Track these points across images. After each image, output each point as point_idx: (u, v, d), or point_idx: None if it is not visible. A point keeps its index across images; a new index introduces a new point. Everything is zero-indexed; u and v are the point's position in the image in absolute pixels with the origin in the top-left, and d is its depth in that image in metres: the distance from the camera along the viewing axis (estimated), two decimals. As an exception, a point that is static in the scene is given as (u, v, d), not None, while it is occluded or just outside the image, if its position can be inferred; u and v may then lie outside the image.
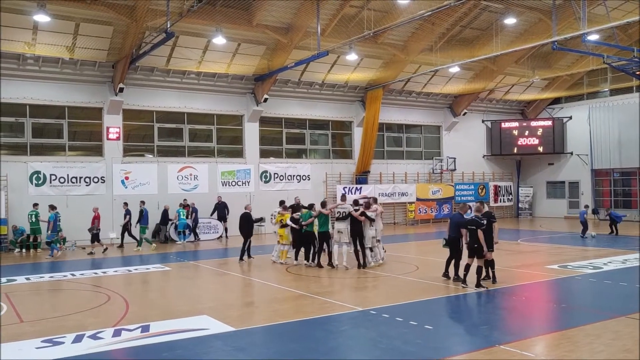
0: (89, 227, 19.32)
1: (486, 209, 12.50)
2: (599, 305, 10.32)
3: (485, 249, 11.60)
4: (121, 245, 20.66)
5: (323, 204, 15.34)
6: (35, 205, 19.84)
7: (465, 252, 12.11)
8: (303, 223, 15.17)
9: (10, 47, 19.87)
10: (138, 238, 20.27)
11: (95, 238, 19.30)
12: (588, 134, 31.42)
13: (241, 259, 16.68)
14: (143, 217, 20.37)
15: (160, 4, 18.51)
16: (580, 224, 21.99)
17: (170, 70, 23.53)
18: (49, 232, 18.64)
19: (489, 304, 10.62)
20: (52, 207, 18.93)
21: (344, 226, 14.66)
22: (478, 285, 11.59)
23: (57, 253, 18.61)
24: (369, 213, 14.67)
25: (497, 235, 12.09)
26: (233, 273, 14.90)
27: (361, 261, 14.54)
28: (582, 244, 20.15)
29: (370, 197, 16.85)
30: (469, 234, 11.79)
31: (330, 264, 14.91)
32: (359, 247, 14.56)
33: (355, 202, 15.29)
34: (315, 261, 15.20)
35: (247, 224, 16.73)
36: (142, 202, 20.80)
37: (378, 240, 15.20)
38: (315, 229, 15.22)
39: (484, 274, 11.91)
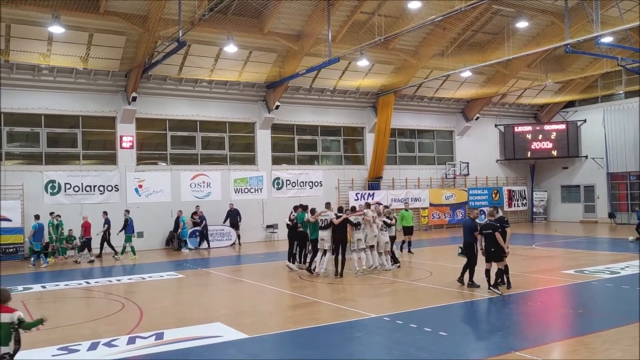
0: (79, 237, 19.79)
1: (500, 214, 12.41)
2: (617, 310, 10.17)
3: (505, 250, 11.59)
4: (99, 256, 20.30)
5: (312, 211, 15.37)
6: (52, 214, 20.02)
7: (481, 258, 12.03)
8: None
9: (25, 58, 20.16)
10: (122, 246, 20.05)
11: (85, 247, 19.49)
12: (603, 137, 31.09)
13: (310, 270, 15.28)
14: (128, 225, 20.19)
15: (172, 13, 18.66)
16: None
17: (182, 79, 23.70)
18: (33, 241, 18.68)
19: (504, 310, 10.51)
20: (37, 217, 19.18)
21: (326, 234, 14.62)
22: (495, 286, 11.52)
23: (41, 263, 18.59)
24: (351, 217, 14.75)
25: (509, 241, 11.99)
26: (246, 280, 14.91)
27: (339, 269, 14.45)
28: (602, 248, 19.93)
29: (379, 204, 16.96)
30: (484, 238, 11.72)
31: (309, 269, 14.97)
32: (340, 256, 14.51)
33: (367, 205, 15.81)
34: (307, 265, 15.32)
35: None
36: (127, 211, 20.61)
37: (372, 247, 15.01)
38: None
39: (497, 279, 11.81)
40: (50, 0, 17.54)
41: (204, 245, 22.92)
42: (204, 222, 22.99)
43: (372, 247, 15.09)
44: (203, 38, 21.44)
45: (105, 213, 20.53)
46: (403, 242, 18.80)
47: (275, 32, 22.22)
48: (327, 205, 15.57)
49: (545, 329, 9.03)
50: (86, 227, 19.68)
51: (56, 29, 18.18)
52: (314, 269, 14.87)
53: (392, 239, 15.85)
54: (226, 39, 20.74)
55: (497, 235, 11.51)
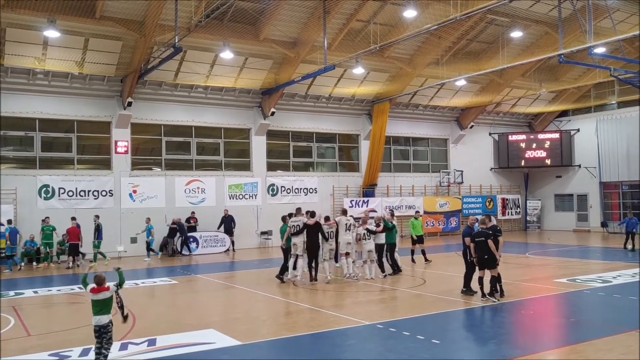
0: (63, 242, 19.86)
1: (493, 222, 12.45)
2: (609, 319, 10.21)
3: (498, 257, 11.67)
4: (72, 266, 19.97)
5: (283, 218, 15.37)
6: (47, 218, 19.96)
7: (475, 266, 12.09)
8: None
9: (20, 62, 20.13)
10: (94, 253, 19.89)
11: (72, 252, 19.41)
12: (596, 146, 31.27)
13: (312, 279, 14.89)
14: (98, 231, 19.92)
15: (168, 19, 18.72)
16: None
17: (178, 85, 23.72)
18: (9, 244, 18.66)
19: (497, 318, 10.54)
20: (9, 222, 19.20)
21: (298, 240, 14.56)
22: (490, 294, 11.57)
23: (16, 267, 18.64)
24: (325, 226, 14.85)
25: (501, 249, 12.05)
26: (240, 286, 14.87)
27: (313, 274, 14.57)
28: (595, 257, 20.01)
29: (374, 211, 16.96)
30: (477, 246, 11.77)
31: (279, 276, 14.90)
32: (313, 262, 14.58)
33: (344, 212, 15.91)
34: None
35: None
36: (97, 217, 20.32)
37: (346, 254, 14.97)
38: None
39: (491, 286, 11.86)
40: (46, 3, 17.54)
41: (185, 251, 22.66)
42: (183, 230, 22.65)
43: (346, 254, 14.98)
44: (199, 44, 21.48)
45: (73, 219, 20.23)
46: (412, 251, 18.50)
47: (271, 39, 22.30)
48: (298, 210, 15.34)
49: (538, 337, 9.06)
50: (70, 232, 19.49)
51: (52, 33, 18.17)
52: (287, 276, 14.75)
53: (381, 247, 15.58)
54: (222, 45, 20.78)
55: (490, 242, 11.57)
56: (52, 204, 21.36)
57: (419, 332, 9.10)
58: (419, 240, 18.49)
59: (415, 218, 18.98)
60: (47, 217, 20.03)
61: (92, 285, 7.57)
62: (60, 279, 16.82)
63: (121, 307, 7.83)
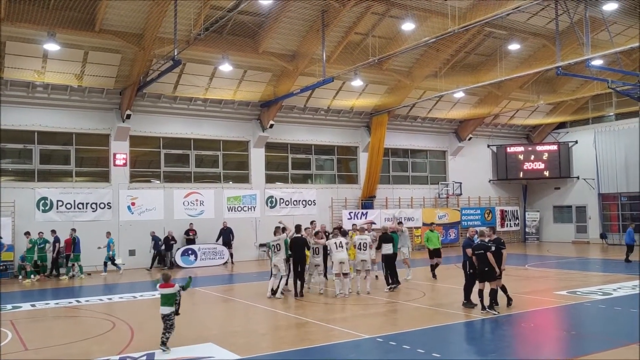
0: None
1: (494, 235, 12.41)
2: (610, 332, 10.16)
3: (497, 270, 11.66)
4: (51, 275, 20.12)
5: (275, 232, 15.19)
6: (40, 233, 20.02)
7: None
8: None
9: (20, 75, 20.18)
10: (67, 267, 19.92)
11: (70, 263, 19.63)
12: (594, 158, 31.33)
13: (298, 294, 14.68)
14: (75, 244, 19.85)
15: (167, 32, 18.81)
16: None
17: (177, 97, 23.77)
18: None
19: (498, 331, 10.48)
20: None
21: (277, 259, 14.38)
22: (491, 307, 11.53)
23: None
24: (311, 242, 14.85)
25: (505, 262, 12.01)
26: (238, 299, 14.80)
27: (298, 290, 14.43)
28: (594, 269, 19.95)
29: (373, 222, 16.88)
30: (478, 258, 11.75)
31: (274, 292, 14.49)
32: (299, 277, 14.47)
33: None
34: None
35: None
36: (73, 230, 20.21)
37: (344, 274, 14.32)
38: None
39: (491, 299, 11.81)
40: (46, 17, 17.62)
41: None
42: (157, 243, 22.43)
43: (344, 274, 14.28)
44: (198, 57, 21.56)
45: (53, 232, 20.27)
46: (432, 266, 17.68)
47: (270, 52, 22.39)
48: (276, 229, 14.89)
49: (538, 350, 9.01)
50: (68, 243, 19.70)
51: (51, 47, 18.25)
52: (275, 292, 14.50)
53: (388, 257, 15.21)
54: (221, 58, 20.86)
55: (489, 255, 11.55)
56: (50, 217, 21.30)
57: (419, 346, 9.04)
58: (436, 253, 17.65)
59: (431, 231, 18.04)
60: (41, 232, 20.16)
61: (161, 282, 9.32)
62: (57, 292, 16.72)
63: (178, 304, 9.35)
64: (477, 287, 12.01)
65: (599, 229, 31.20)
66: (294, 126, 27.12)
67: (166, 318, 9.08)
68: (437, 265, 17.75)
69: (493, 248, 11.75)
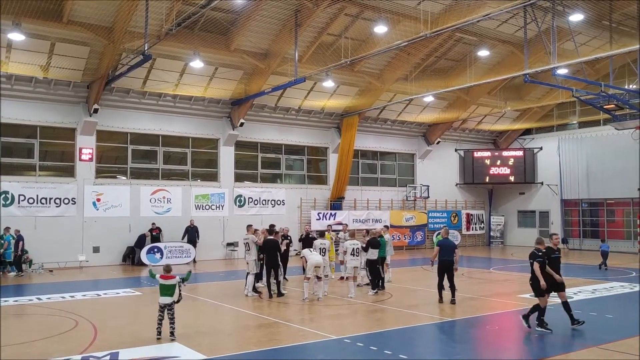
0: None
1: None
2: (570, 335, 10.41)
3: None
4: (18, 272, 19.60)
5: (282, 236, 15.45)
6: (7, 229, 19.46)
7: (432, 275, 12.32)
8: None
9: (-18, 64, 19.56)
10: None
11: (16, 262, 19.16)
12: (558, 164, 32.11)
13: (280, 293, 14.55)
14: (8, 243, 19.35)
15: (138, 26, 18.48)
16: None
17: (146, 92, 23.40)
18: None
19: (463, 334, 10.64)
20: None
21: (248, 257, 14.53)
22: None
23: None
24: (283, 245, 14.95)
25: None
26: (204, 299, 14.65)
27: (271, 290, 14.41)
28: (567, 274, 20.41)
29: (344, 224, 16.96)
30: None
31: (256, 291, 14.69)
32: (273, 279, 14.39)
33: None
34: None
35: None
36: (17, 231, 19.62)
37: (317, 277, 14.15)
38: None
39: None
40: (11, 6, 17.11)
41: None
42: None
43: (317, 277, 14.10)
44: (169, 52, 21.27)
45: (9, 229, 19.63)
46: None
47: (242, 50, 22.25)
48: (248, 227, 15.03)
49: (501, 352, 9.17)
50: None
51: (16, 36, 17.70)
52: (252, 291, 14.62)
53: (372, 262, 15.06)
54: (192, 54, 20.64)
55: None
56: (11, 211, 20.68)
57: (386, 347, 9.10)
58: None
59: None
60: (8, 227, 19.47)
61: (161, 272, 9.91)
62: (19, 289, 16.28)
63: (180, 295, 9.88)
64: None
65: (560, 234, 31.96)
66: (264, 125, 27.00)
67: (168, 308, 9.69)
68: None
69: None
